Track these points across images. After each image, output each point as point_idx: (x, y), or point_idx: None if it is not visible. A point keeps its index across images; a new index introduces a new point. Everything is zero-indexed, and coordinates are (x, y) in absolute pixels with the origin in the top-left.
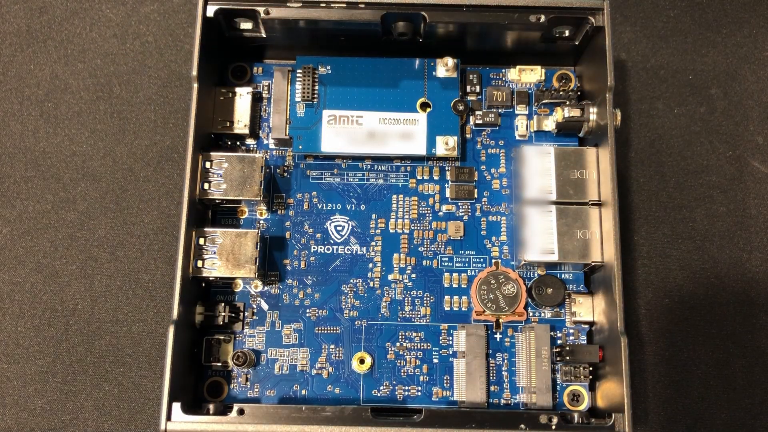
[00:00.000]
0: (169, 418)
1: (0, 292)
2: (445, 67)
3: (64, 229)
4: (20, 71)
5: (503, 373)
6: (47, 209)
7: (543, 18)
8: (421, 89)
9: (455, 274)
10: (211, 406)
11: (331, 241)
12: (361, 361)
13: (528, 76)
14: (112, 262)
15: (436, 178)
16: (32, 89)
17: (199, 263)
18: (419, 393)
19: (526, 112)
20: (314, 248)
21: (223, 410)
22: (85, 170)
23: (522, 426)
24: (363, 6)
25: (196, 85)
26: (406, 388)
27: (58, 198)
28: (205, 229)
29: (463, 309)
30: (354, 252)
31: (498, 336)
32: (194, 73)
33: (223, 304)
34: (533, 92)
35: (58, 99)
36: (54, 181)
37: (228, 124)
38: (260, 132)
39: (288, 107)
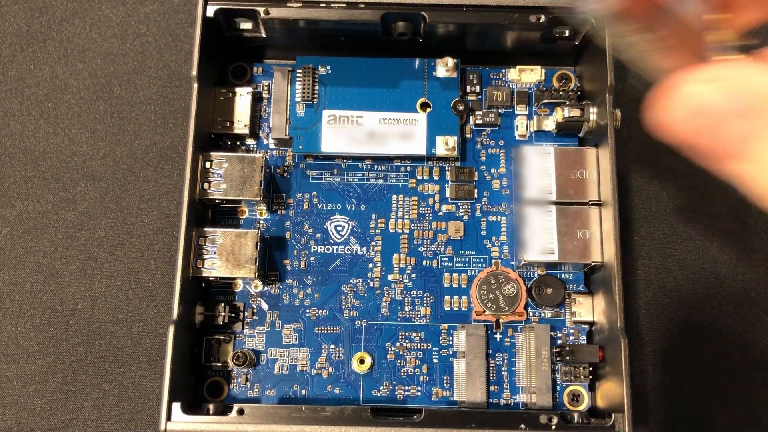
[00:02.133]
0: (169, 418)
1: (0, 292)
2: (445, 67)
3: (64, 229)
4: (20, 71)
5: (503, 373)
6: (47, 209)
7: (543, 18)
8: (421, 89)
9: (455, 274)
10: (211, 406)
11: (331, 241)
12: (361, 361)
13: (528, 76)
14: (112, 262)
15: (436, 178)
16: (32, 89)
17: (199, 263)
18: (419, 393)
19: (526, 112)
20: (314, 248)
21: (223, 410)
22: (85, 170)
23: (522, 426)
24: (363, 6)
25: (196, 85)
26: (406, 388)
27: (58, 198)
28: (205, 229)
29: (463, 309)
30: (354, 252)
31: (498, 336)
32: (194, 73)
33: (223, 304)
34: (533, 92)
35: (58, 99)
36: (54, 181)
37: (228, 124)
38: (260, 132)
39: (288, 107)
